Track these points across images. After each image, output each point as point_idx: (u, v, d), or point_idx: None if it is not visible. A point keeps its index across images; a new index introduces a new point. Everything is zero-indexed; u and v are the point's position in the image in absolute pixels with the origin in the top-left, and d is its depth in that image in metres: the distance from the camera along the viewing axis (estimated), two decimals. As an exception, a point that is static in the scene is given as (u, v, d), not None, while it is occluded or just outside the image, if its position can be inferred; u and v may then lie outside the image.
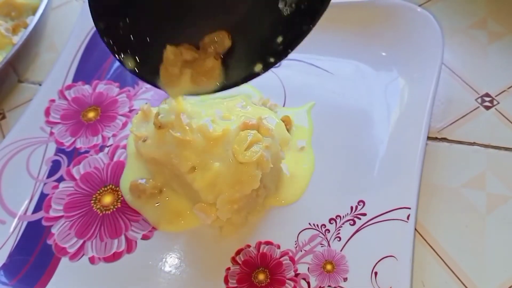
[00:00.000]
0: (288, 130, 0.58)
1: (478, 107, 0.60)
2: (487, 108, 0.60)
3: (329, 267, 0.51)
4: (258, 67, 0.46)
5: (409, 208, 0.50)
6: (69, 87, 0.68)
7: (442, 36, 0.59)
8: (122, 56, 0.48)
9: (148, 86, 0.67)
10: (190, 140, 0.51)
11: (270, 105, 0.61)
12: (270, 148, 0.52)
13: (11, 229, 0.57)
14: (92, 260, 0.54)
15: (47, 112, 0.65)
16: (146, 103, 0.57)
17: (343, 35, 0.66)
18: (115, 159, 0.61)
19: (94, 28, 0.71)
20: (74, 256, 0.54)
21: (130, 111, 0.66)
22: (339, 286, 0.49)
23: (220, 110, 0.54)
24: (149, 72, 0.48)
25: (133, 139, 0.56)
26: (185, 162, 0.51)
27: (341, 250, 0.51)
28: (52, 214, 0.58)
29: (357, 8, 0.65)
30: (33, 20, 0.70)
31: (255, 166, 0.50)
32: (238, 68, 0.47)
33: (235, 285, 0.51)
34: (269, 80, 0.66)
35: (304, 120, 0.61)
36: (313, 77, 0.65)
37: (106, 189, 0.59)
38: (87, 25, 0.73)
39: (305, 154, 0.58)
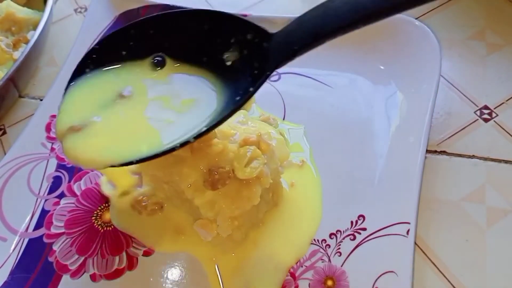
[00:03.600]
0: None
1: (477, 119, 0.60)
2: (486, 120, 0.60)
3: (330, 283, 0.51)
4: None
5: (409, 223, 0.50)
6: (69, 102, 0.68)
7: (440, 50, 0.59)
8: None
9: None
10: (189, 157, 0.51)
11: (270, 120, 0.61)
12: (269, 163, 0.52)
13: (13, 247, 0.57)
14: (93, 278, 0.54)
15: (48, 128, 0.66)
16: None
17: (341, 49, 0.65)
18: (116, 174, 0.62)
19: (95, 43, 0.72)
20: (75, 274, 0.55)
21: (131, 125, 0.66)
22: (340, 303, 0.49)
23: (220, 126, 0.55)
24: None
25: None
26: (185, 179, 0.51)
27: (341, 266, 0.51)
28: (53, 231, 0.58)
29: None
30: (34, 35, 0.70)
31: (255, 182, 0.50)
32: None
33: (236, 302, 0.51)
34: (268, 93, 0.66)
35: (303, 136, 0.61)
36: (312, 90, 0.65)
37: (107, 205, 0.59)
38: (87, 40, 0.73)
39: (305, 168, 0.58)
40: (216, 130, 0.52)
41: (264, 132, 0.54)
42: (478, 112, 0.61)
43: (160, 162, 0.52)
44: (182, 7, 0.73)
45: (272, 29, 0.68)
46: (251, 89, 0.44)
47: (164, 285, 0.53)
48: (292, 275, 0.52)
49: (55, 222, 0.58)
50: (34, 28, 0.74)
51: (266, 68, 0.45)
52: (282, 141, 0.56)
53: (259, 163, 0.50)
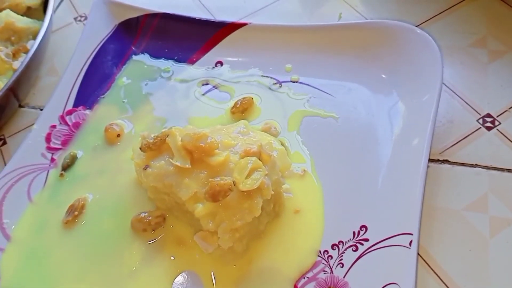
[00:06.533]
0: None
1: (480, 128, 0.60)
2: (489, 129, 0.60)
3: (332, 294, 0.50)
4: None
5: (411, 234, 0.50)
6: (69, 112, 0.68)
7: (441, 57, 0.59)
8: None
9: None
10: (190, 168, 0.51)
11: (272, 130, 0.61)
12: (270, 174, 0.52)
13: (13, 258, 0.57)
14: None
15: (48, 138, 0.65)
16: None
17: (343, 57, 0.66)
18: (116, 186, 0.61)
19: (95, 52, 0.72)
20: (76, 285, 0.54)
21: (131, 136, 0.66)
22: (342, 315, 0.49)
23: (221, 137, 0.54)
24: None
25: (134, 167, 0.56)
26: (185, 190, 0.51)
27: (344, 277, 0.51)
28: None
29: (356, 29, 0.65)
30: (33, 45, 0.70)
31: (256, 193, 0.50)
32: None
33: (238, 314, 0.51)
34: (270, 102, 0.66)
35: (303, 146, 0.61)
36: (313, 99, 0.65)
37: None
38: (87, 49, 0.73)
39: (306, 178, 0.58)
40: (217, 140, 0.52)
41: (265, 143, 0.53)
42: (480, 120, 0.61)
43: (160, 173, 0.52)
44: (182, 16, 0.73)
45: (274, 37, 0.69)
46: None
47: (164, 296, 0.53)
48: (295, 287, 0.51)
49: (55, 233, 0.58)
50: (34, 37, 0.74)
51: None
52: (283, 152, 0.56)
53: (260, 174, 0.50)
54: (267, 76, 0.68)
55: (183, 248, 0.55)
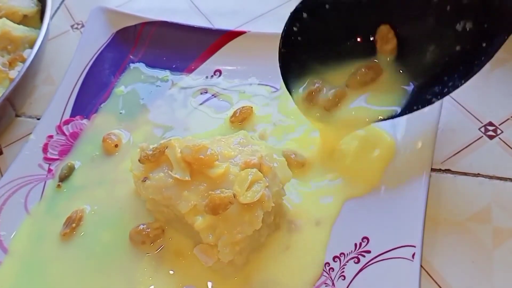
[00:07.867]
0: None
1: (482, 136, 0.59)
2: (491, 137, 0.59)
3: (334, 308, 0.50)
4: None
5: (414, 247, 0.49)
6: (66, 122, 0.67)
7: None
8: None
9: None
10: (189, 181, 0.51)
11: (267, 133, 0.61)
12: (271, 186, 0.51)
13: (10, 271, 0.56)
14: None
15: (45, 149, 0.65)
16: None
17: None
18: (114, 197, 0.61)
19: (92, 61, 0.71)
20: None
21: (130, 146, 0.65)
22: (344, 329, 0.48)
23: (221, 148, 0.54)
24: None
25: (133, 179, 0.56)
26: (185, 203, 0.50)
27: (346, 290, 0.50)
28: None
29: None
30: (30, 54, 0.69)
31: (257, 205, 0.49)
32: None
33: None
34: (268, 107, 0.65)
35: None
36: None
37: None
38: (84, 57, 0.72)
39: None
40: (217, 151, 0.52)
41: (265, 154, 0.53)
42: (482, 129, 0.60)
43: (159, 185, 0.52)
44: (180, 24, 0.72)
45: (273, 45, 0.68)
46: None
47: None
48: (296, 300, 0.51)
49: (53, 246, 0.57)
50: (31, 46, 0.73)
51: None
52: (284, 163, 0.55)
53: (260, 186, 0.49)
54: (266, 85, 0.68)
55: (182, 261, 0.54)
